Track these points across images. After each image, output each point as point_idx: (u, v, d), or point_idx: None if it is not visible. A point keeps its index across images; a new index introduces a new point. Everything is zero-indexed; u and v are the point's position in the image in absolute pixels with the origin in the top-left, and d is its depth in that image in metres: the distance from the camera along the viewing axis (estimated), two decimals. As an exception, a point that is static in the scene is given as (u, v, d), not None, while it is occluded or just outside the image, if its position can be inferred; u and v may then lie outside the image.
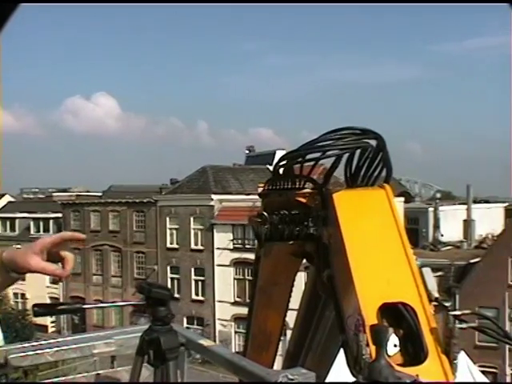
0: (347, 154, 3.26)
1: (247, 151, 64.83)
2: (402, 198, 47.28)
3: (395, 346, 2.92)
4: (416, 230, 48.11)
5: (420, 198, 61.44)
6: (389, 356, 2.83)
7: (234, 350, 32.79)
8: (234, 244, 43.31)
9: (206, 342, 3.65)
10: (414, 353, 2.85)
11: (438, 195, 58.04)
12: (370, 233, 3.08)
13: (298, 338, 4.56)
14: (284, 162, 3.49)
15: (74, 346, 4.26)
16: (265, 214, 3.57)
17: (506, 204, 53.65)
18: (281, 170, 3.60)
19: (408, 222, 47.15)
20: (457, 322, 3.12)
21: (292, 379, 2.62)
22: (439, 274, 36.77)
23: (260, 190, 4.06)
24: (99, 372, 5.43)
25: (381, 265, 2.96)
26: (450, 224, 46.57)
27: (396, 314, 2.90)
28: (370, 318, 2.73)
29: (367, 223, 3.14)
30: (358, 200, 3.22)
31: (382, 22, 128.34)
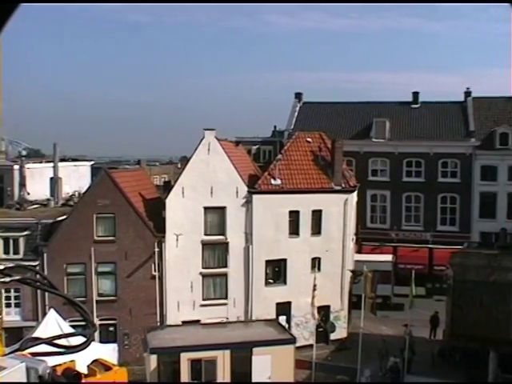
0: None
1: None
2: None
3: None
4: (1, 189, 46.28)
5: (7, 155, 59.01)
6: None
7: None
8: None
9: None
10: None
11: (24, 152, 56.70)
12: None
13: None
14: None
15: None
16: None
17: (93, 162, 55.26)
18: None
19: (-8, 180, 44.99)
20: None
21: None
22: (26, 233, 35.95)
23: None
24: None
25: None
26: (37, 182, 45.98)
27: None
28: None
29: None
30: None
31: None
